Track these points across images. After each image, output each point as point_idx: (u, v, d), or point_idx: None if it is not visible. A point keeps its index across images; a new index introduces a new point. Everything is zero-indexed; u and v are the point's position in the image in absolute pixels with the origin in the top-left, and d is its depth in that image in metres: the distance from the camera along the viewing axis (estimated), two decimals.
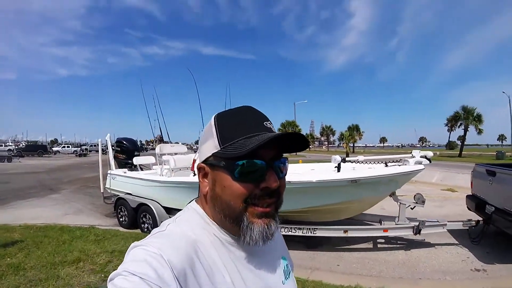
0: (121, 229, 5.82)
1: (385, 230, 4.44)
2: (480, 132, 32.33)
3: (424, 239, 4.94)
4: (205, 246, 0.58)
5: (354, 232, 4.40)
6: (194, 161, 5.19)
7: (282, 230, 4.26)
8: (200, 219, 0.63)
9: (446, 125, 36.37)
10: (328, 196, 4.17)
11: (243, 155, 0.54)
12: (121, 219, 6.14)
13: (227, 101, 6.76)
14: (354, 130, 52.90)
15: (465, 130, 33.60)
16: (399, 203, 4.64)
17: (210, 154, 0.60)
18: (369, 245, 4.90)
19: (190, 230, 0.59)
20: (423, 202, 4.62)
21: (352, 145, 54.54)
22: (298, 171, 5.17)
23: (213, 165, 0.60)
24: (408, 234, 4.50)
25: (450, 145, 56.59)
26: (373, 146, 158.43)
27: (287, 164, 0.64)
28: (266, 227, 0.58)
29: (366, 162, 5.29)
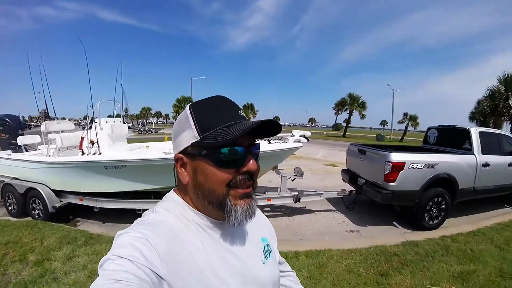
0: (12, 218, 5.19)
1: (269, 199, 4.89)
2: (363, 117, 38.54)
3: (306, 207, 5.59)
4: (185, 232, 0.61)
5: None
6: (82, 139, 4.86)
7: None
8: (179, 207, 0.65)
9: (334, 109, 41.77)
10: None
11: (228, 143, 0.57)
12: (9, 208, 5.44)
13: (118, 77, 6.08)
14: (249, 108, 55.45)
15: (350, 114, 39.36)
16: (280, 176, 5.17)
17: (188, 144, 0.61)
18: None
19: (171, 218, 0.62)
20: (302, 174, 5.24)
21: None
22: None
23: (193, 155, 0.61)
24: (290, 202, 5.07)
25: (336, 127, 62.86)
26: None
27: (260, 149, 0.67)
28: (248, 206, 0.62)
29: None
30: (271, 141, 5.03)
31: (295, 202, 5.03)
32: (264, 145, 4.80)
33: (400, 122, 40.22)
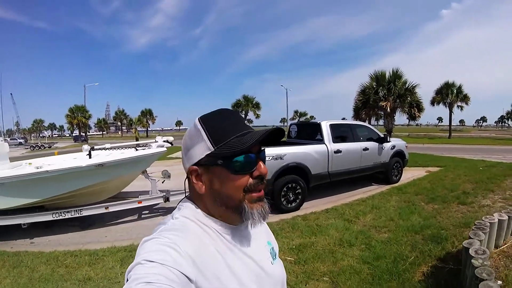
0: None
1: (139, 201, 5.14)
2: (257, 116, 43.60)
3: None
4: (206, 237, 0.63)
5: (114, 207, 4.96)
6: None
7: (53, 216, 4.66)
8: (196, 214, 0.67)
9: None
10: (82, 180, 4.63)
11: (244, 151, 0.62)
12: None
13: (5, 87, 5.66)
14: (147, 114, 54.39)
15: (245, 114, 42.84)
16: (150, 179, 5.40)
17: (203, 156, 0.64)
18: (135, 217, 5.57)
19: (191, 224, 0.64)
20: (169, 176, 5.54)
21: (145, 129, 55.54)
22: (55, 162, 5.35)
23: (208, 165, 0.64)
24: (160, 202, 5.35)
25: None
26: (170, 129, 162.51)
27: (265, 154, 0.72)
28: (262, 209, 0.67)
29: (114, 148, 5.86)
30: (138, 148, 5.34)
31: (165, 201, 5.29)
32: (129, 152, 5.19)
33: (292, 119, 44.57)
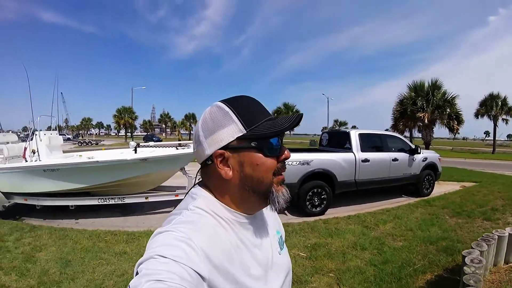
0: None
1: (176, 195, 5.66)
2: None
3: None
4: (221, 230, 0.63)
5: (153, 197, 5.63)
6: (25, 149, 5.84)
7: (98, 201, 5.37)
8: (211, 204, 0.65)
9: None
10: (127, 171, 5.29)
11: (278, 133, 0.63)
12: None
13: (55, 91, 6.57)
14: (191, 118, 56.02)
15: None
16: (187, 176, 5.88)
17: (233, 139, 0.62)
18: (171, 209, 5.87)
19: (207, 216, 0.63)
20: None
21: (188, 132, 57.21)
22: (103, 155, 6.21)
23: (239, 148, 0.63)
24: None
25: None
26: None
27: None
28: (286, 192, 0.67)
29: (158, 147, 6.48)
30: (179, 148, 5.88)
31: None
32: (170, 151, 5.84)
33: (332, 128, 43.93)
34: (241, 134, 0.62)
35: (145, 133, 67.44)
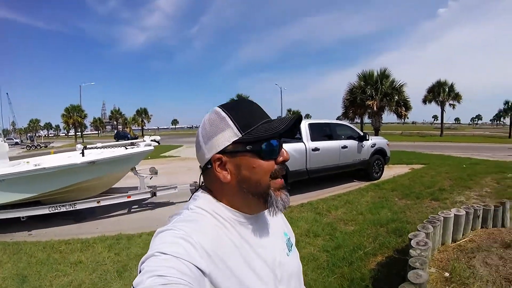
0: None
1: (129, 196, 5.54)
2: None
3: (169, 200, 6.17)
4: (222, 229, 0.63)
5: (105, 201, 5.35)
6: None
7: (49, 209, 5.04)
8: (212, 205, 0.66)
9: None
10: (76, 176, 5.05)
11: (275, 136, 0.63)
12: None
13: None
14: (142, 113, 54.58)
15: None
16: (138, 176, 5.83)
17: (229, 143, 0.63)
18: (125, 211, 5.93)
19: (207, 215, 0.64)
20: (156, 172, 5.98)
21: (140, 128, 55.62)
22: (51, 160, 5.68)
23: (235, 152, 0.63)
24: (148, 197, 5.76)
25: None
26: (166, 128, 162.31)
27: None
28: (285, 197, 0.67)
29: (105, 147, 6.17)
30: (128, 147, 5.70)
31: (152, 196, 5.66)
32: (118, 151, 5.60)
33: None
34: (237, 138, 0.63)
35: (116, 130, 61.92)
